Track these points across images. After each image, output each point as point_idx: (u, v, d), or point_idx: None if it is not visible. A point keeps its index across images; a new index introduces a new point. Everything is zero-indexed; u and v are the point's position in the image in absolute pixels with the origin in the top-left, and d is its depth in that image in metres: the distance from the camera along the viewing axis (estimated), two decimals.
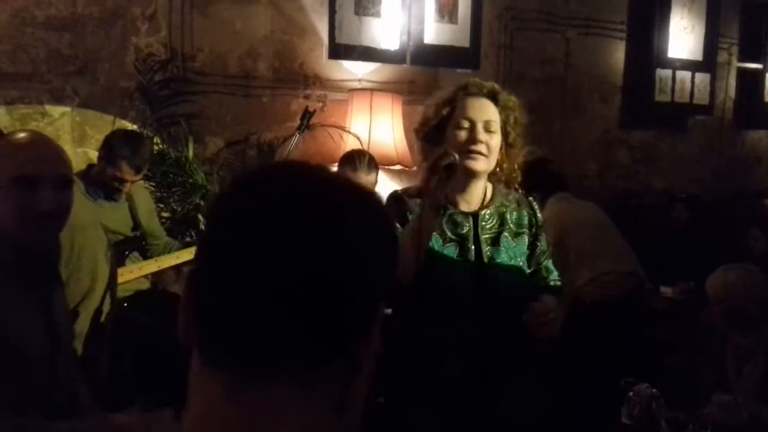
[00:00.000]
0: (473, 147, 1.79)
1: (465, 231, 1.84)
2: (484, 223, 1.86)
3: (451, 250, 1.83)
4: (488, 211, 1.88)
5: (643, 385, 2.19)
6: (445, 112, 1.85)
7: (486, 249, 1.84)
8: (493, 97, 1.87)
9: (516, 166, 1.94)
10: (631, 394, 2.18)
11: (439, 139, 1.86)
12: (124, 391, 2.55)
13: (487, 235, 1.86)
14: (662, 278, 4.11)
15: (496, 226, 1.88)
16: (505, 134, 1.87)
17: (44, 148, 1.51)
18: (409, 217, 1.82)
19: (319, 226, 0.64)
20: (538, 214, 1.99)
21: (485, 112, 1.83)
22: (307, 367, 0.64)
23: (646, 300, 3.74)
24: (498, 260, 1.84)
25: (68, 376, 1.58)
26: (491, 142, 1.81)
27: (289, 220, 0.63)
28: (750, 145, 5.88)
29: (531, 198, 2.01)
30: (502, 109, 1.87)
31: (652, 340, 3.59)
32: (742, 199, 5.19)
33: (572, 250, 3.36)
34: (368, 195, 0.72)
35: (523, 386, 1.88)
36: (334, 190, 0.68)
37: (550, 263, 1.99)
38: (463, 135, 1.81)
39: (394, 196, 1.92)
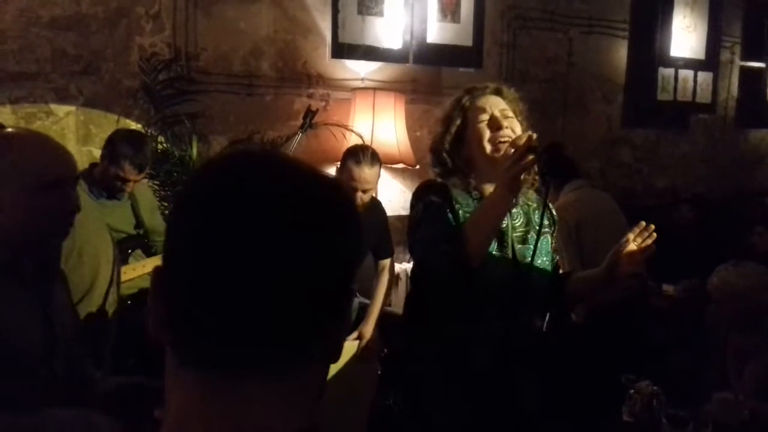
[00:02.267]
0: (500, 134, 1.80)
1: (503, 226, 1.84)
2: (514, 222, 1.88)
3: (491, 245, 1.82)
4: (516, 210, 1.89)
5: (644, 383, 2.19)
6: (459, 121, 1.87)
7: (517, 247, 1.86)
8: (498, 92, 1.91)
9: None
10: (632, 391, 2.19)
11: (460, 150, 1.87)
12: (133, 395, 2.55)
13: (517, 234, 1.88)
14: (665, 277, 4.11)
15: (524, 225, 1.90)
16: None
17: (60, 149, 1.55)
18: (457, 207, 1.82)
19: (293, 220, 0.62)
20: (554, 213, 2.04)
21: (498, 103, 1.87)
22: (286, 360, 0.63)
23: (648, 299, 3.74)
24: (528, 258, 1.86)
25: (77, 370, 1.60)
26: (514, 128, 1.83)
27: (262, 215, 0.62)
28: (753, 144, 5.88)
29: (544, 194, 2.02)
30: (509, 102, 1.90)
31: (654, 338, 3.59)
32: (746, 198, 5.19)
33: (586, 242, 3.30)
34: (334, 182, 0.70)
35: (541, 382, 1.90)
36: (301, 181, 0.66)
37: (557, 257, 2.05)
38: (485, 127, 1.82)
39: (435, 184, 1.91)
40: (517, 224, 1.89)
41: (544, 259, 1.91)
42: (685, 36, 5.09)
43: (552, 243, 1.99)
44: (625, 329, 3.29)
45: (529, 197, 1.96)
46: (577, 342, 3.17)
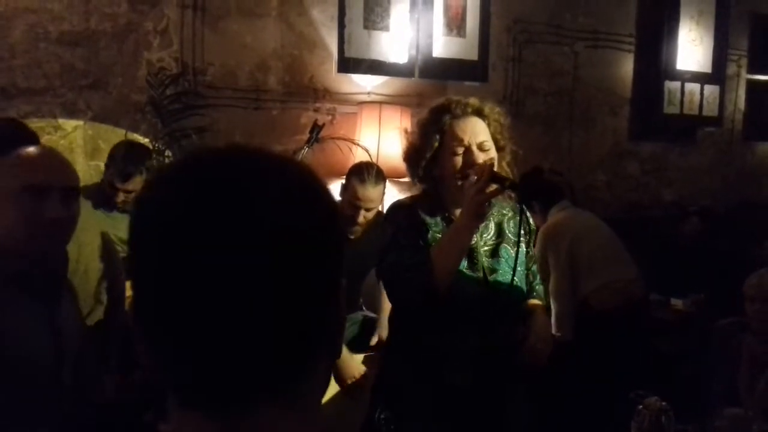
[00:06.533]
0: (472, 170, 1.78)
1: (473, 242, 1.84)
2: (484, 236, 1.87)
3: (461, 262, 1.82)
4: (486, 224, 1.89)
5: (652, 398, 2.17)
6: (436, 142, 1.83)
7: (487, 261, 1.85)
8: (479, 113, 1.86)
9: (507, 168, 1.93)
10: (640, 407, 2.17)
11: (433, 171, 1.86)
12: (135, 404, 2.55)
13: (486, 248, 1.87)
14: (673, 290, 4.09)
15: (494, 237, 1.89)
16: (494, 142, 1.87)
17: (53, 159, 1.56)
18: (431, 232, 1.82)
19: (276, 226, 0.56)
20: (531, 220, 2.03)
21: (477, 132, 1.82)
22: (295, 377, 0.59)
23: (650, 308, 3.75)
24: (499, 271, 1.85)
25: (85, 380, 1.60)
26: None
27: (253, 221, 0.56)
28: (760, 157, 5.86)
29: (523, 206, 2.01)
30: (490, 122, 1.86)
31: (663, 353, 3.57)
32: (753, 211, 5.17)
33: (584, 257, 3.37)
34: (313, 179, 0.63)
35: (525, 397, 1.89)
36: (282, 182, 0.60)
37: (535, 267, 2.03)
38: (459, 161, 1.80)
39: (404, 205, 1.91)
40: (488, 237, 1.88)
41: (519, 269, 1.89)
42: (692, 49, 5.09)
43: (530, 251, 1.99)
44: (631, 341, 3.29)
45: (503, 207, 1.95)
46: (579, 355, 3.17)
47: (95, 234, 2.66)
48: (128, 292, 2.77)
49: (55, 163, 1.54)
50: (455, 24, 4.14)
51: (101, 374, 2.15)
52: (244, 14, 3.70)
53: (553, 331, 3.35)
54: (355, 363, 2.95)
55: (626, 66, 5.00)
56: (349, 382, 2.90)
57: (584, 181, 4.80)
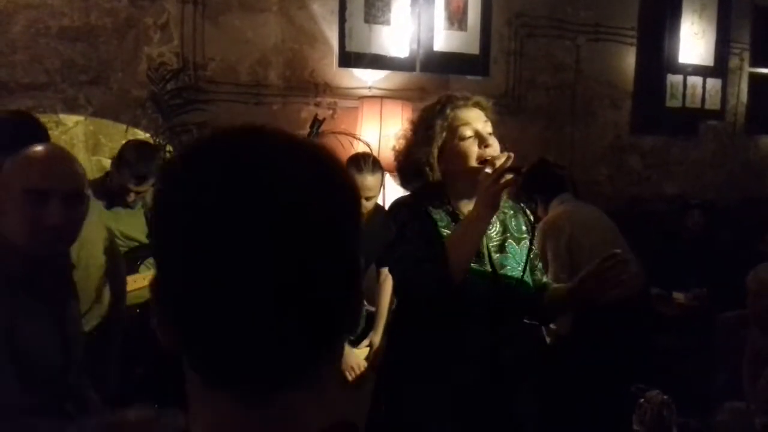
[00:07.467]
0: (487, 151, 1.78)
1: None
2: (490, 232, 1.86)
3: None
4: (491, 219, 1.88)
5: (654, 392, 2.17)
6: (444, 133, 1.81)
7: (495, 256, 1.85)
8: (479, 105, 1.87)
9: None
10: (642, 400, 2.17)
11: (439, 163, 1.83)
12: (136, 400, 2.55)
13: (493, 243, 1.87)
14: (675, 284, 4.09)
15: (500, 233, 1.89)
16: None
17: (57, 162, 1.52)
18: (440, 225, 1.81)
19: (307, 209, 0.57)
20: (532, 218, 2.02)
21: (480, 117, 1.83)
22: (315, 367, 0.59)
23: (651, 302, 3.74)
24: (507, 266, 1.85)
25: (79, 385, 1.60)
26: (495, 145, 1.81)
27: (277, 203, 0.56)
28: (762, 151, 5.84)
29: (524, 204, 2.01)
30: (488, 115, 1.87)
31: (665, 347, 3.57)
32: (756, 205, 5.16)
33: (585, 249, 3.35)
34: (333, 160, 0.64)
35: (534, 391, 1.89)
36: (305, 164, 0.61)
37: (540, 264, 2.03)
38: (472, 143, 1.79)
39: (409, 202, 1.89)
40: (493, 233, 1.88)
41: (523, 265, 1.89)
42: (694, 42, 5.07)
43: (534, 248, 1.97)
44: (633, 334, 3.28)
45: (505, 205, 1.94)
46: (580, 349, 3.17)
47: (96, 229, 2.66)
48: (135, 285, 2.77)
49: (58, 165, 1.51)
50: (456, 18, 4.13)
51: (103, 371, 2.16)
52: (245, 9, 3.70)
53: (551, 324, 3.35)
54: (354, 355, 2.95)
55: (628, 59, 4.98)
56: (350, 374, 2.91)
57: (586, 174, 4.79)
